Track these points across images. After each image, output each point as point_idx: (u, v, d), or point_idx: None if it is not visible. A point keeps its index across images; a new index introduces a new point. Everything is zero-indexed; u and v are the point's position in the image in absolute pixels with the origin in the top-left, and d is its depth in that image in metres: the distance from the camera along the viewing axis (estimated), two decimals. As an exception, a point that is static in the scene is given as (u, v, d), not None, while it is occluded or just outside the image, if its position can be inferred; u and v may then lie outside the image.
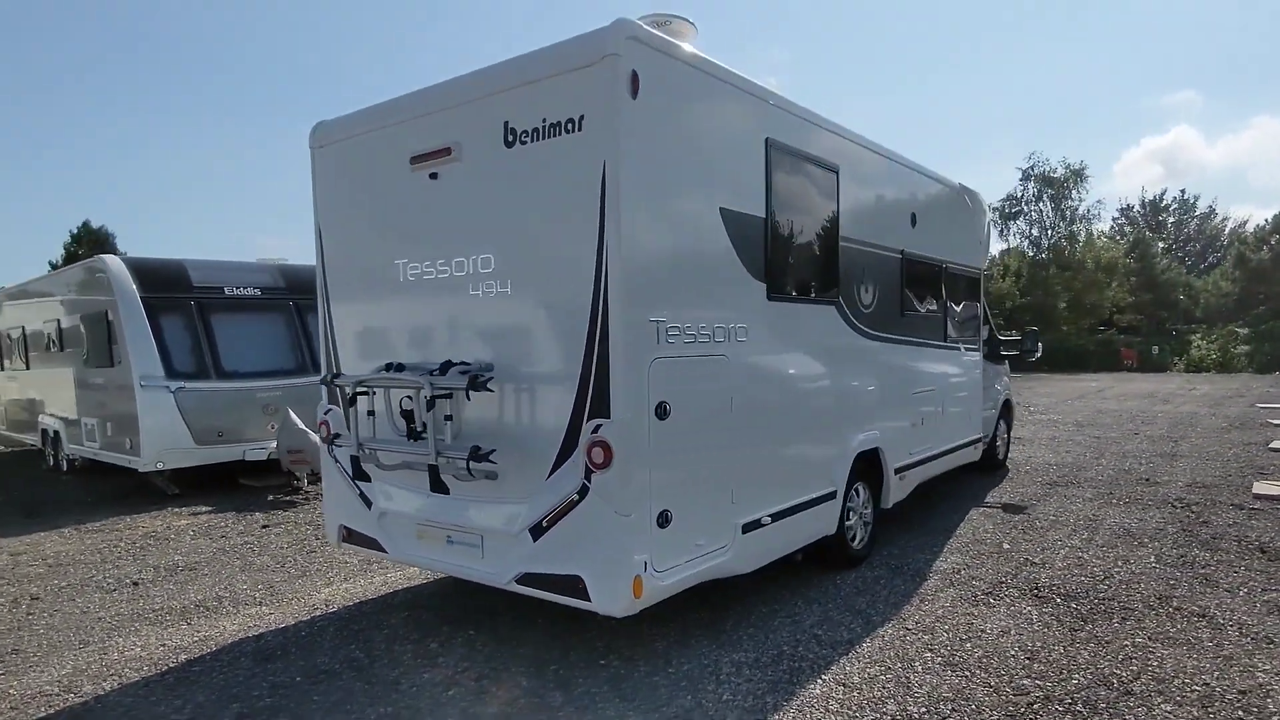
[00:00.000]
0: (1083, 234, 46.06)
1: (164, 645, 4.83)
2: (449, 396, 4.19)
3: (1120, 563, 5.81)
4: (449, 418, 4.20)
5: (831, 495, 5.43)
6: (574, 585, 3.85)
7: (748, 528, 4.53)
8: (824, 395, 5.37)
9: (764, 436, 4.70)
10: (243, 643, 4.82)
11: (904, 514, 7.34)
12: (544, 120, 3.87)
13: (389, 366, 4.60)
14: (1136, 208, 58.50)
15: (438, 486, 4.19)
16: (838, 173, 5.42)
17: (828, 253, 5.40)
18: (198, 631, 5.06)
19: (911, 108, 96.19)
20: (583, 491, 3.81)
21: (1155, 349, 37.68)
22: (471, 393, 4.10)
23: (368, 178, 4.82)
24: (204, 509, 9.02)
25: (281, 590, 5.86)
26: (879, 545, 6.39)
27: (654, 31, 3.89)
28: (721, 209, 4.31)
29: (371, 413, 4.64)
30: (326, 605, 5.47)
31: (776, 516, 4.78)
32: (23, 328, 13.38)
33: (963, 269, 7.87)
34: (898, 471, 6.39)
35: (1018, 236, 47.70)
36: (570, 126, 3.77)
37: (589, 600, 3.81)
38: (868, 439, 5.89)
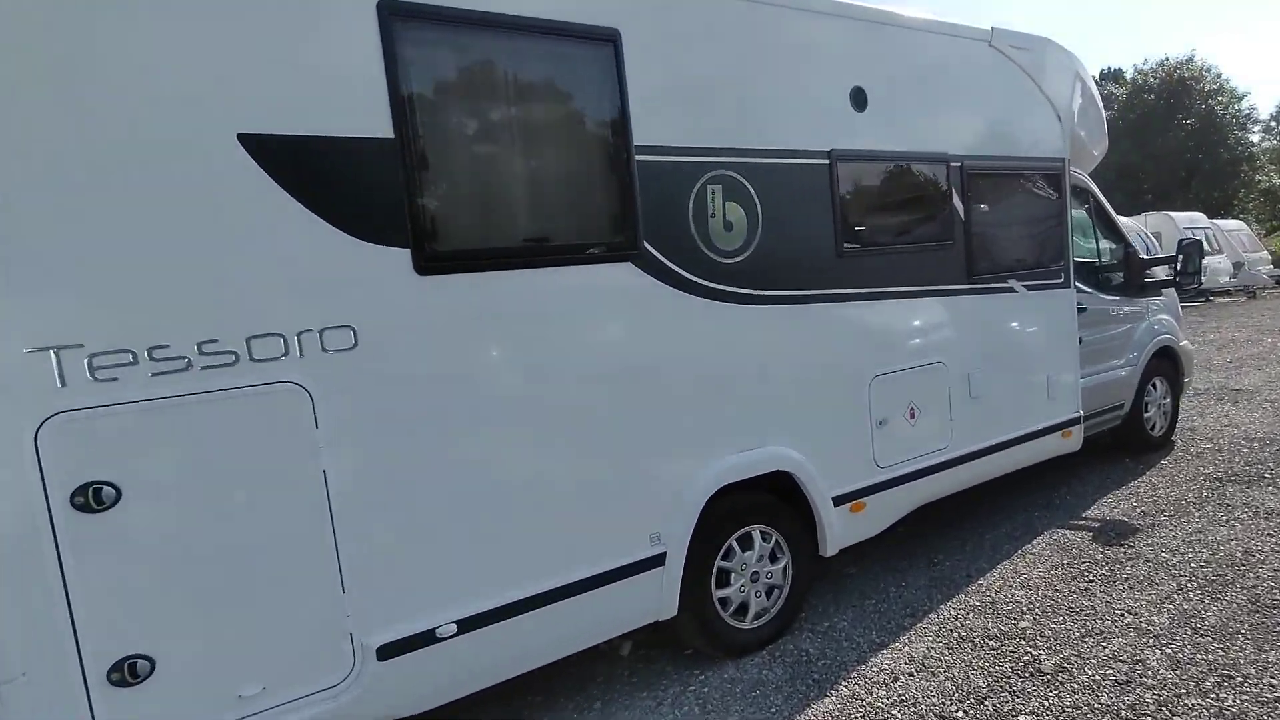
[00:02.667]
0: None
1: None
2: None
3: (1216, 678, 3.13)
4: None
5: (653, 562, 3.44)
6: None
7: (393, 650, 2.80)
8: (612, 410, 3.33)
9: (429, 502, 2.89)
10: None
11: (932, 540, 4.95)
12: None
13: None
14: None
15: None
16: (616, 42, 3.28)
17: (601, 178, 3.32)
18: None
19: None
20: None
21: None
22: None
23: None
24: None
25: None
26: (832, 608, 4.20)
27: None
28: (245, 136, 2.53)
29: None
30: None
31: (479, 621, 2.98)
32: None
33: (1011, 164, 5.01)
34: (847, 499, 4.11)
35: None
36: None
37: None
38: (755, 460, 3.74)
